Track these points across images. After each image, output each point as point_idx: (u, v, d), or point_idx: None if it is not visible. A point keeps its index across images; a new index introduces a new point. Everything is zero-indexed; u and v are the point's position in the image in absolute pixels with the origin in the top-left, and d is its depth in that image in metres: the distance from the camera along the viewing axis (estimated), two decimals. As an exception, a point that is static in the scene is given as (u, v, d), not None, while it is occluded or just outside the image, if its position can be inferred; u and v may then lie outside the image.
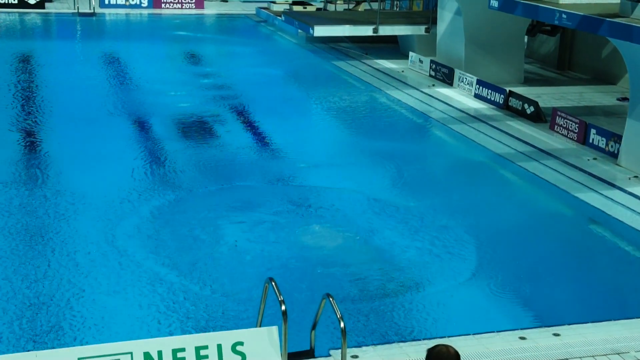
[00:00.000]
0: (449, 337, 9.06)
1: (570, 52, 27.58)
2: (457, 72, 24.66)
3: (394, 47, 31.17)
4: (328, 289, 8.77)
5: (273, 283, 8.26)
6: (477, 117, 21.05)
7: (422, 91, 24.33)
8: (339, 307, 7.93)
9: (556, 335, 9.23)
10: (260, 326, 8.56)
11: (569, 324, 9.53)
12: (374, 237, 13.23)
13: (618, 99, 22.72)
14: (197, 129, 19.91)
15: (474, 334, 9.16)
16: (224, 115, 21.35)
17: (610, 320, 9.69)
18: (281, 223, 13.63)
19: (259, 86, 25.09)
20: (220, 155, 17.76)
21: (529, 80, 25.48)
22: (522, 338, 9.15)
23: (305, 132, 20.40)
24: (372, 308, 10.64)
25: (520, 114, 20.92)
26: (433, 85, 25.10)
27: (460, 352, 5.09)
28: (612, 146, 17.21)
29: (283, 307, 8.01)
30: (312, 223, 13.68)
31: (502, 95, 22.00)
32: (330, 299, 8.03)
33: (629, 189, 15.12)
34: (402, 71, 27.49)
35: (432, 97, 23.61)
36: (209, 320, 10.24)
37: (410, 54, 28.18)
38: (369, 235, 13.28)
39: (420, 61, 27.25)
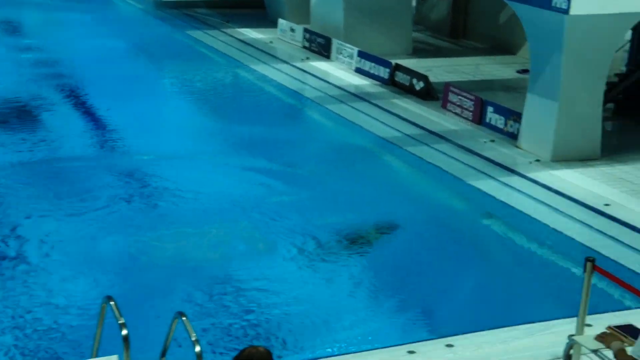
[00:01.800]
0: (326, 357, 9.16)
1: (465, 18, 28.50)
2: (335, 43, 24.95)
3: (261, 14, 31.22)
4: (180, 305, 8.69)
5: (112, 302, 8.11)
6: (358, 95, 21.40)
7: (294, 65, 24.50)
8: (194, 327, 7.88)
9: (449, 346, 9.51)
10: (96, 356, 8.40)
11: (464, 334, 9.83)
12: (235, 240, 13.27)
13: (518, 71, 23.67)
14: (15, 117, 19.27)
15: (355, 353, 9.30)
16: (51, 99, 20.83)
17: (509, 326, 10.08)
18: (125, 225, 13.52)
19: (96, 62, 24.66)
20: (46, 149, 17.31)
21: (418, 51, 26.14)
22: (411, 352, 9.37)
23: (154, 117, 20.23)
24: (230, 324, 10.65)
25: (408, 91, 21.42)
26: (307, 58, 25.30)
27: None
28: (511, 126, 17.91)
29: (124, 331, 7.87)
30: (161, 225, 13.59)
31: (387, 70, 22.45)
32: (183, 318, 7.95)
33: (530, 175, 15.77)
34: (271, 42, 27.56)
35: (306, 72, 23.81)
36: (35, 350, 9.95)
37: (280, 21, 28.28)
38: (229, 238, 13.30)
39: (292, 30, 27.40)
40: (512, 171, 16.05)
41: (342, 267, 12.50)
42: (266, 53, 26.11)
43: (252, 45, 27.05)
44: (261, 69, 24.34)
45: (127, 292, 10.78)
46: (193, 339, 7.91)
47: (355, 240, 13.37)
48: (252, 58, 25.50)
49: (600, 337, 6.68)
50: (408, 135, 18.30)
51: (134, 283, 11.59)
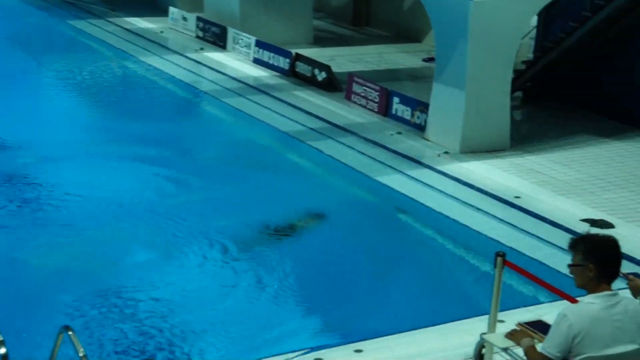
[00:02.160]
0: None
1: (367, 4, 28.73)
2: (231, 32, 24.85)
3: (150, 1, 30.87)
4: (64, 319, 8.52)
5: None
6: (257, 88, 21.35)
7: (187, 57, 24.34)
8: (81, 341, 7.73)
9: (358, 352, 9.55)
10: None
11: (374, 338, 9.88)
12: (134, 246, 13.14)
13: (424, 60, 23.99)
14: None
15: (258, 360, 9.30)
16: None
17: (421, 327, 10.18)
18: (2, 232, 13.21)
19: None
20: None
21: (319, 40, 26.24)
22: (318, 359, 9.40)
23: (34, 115, 19.80)
24: (120, 336, 10.52)
25: (310, 82, 21.46)
26: (201, 49, 25.15)
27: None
28: (418, 117, 18.11)
29: (2, 350, 7.67)
30: (45, 231, 13.36)
31: (287, 60, 22.46)
32: (69, 333, 7.80)
33: (439, 168, 15.96)
34: (162, 32, 27.31)
35: (201, 64, 23.67)
36: None
37: (171, 9, 28.02)
38: (125, 244, 13.15)
39: (184, 19, 27.19)
40: (421, 164, 16.24)
41: (244, 271, 12.47)
42: (157, 44, 25.82)
43: (141, 36, 26.70)
44: (152, 61, 24.07)
45: (5, 306, 10.52)
46: (81, 354, 7.75)
47: (262, 240, 13.40)
48: (141, 49, 25.19)
49: (510, 335, 6.77)
50: (311, 129, 18.35)
51: (13, 296, 11.29)
